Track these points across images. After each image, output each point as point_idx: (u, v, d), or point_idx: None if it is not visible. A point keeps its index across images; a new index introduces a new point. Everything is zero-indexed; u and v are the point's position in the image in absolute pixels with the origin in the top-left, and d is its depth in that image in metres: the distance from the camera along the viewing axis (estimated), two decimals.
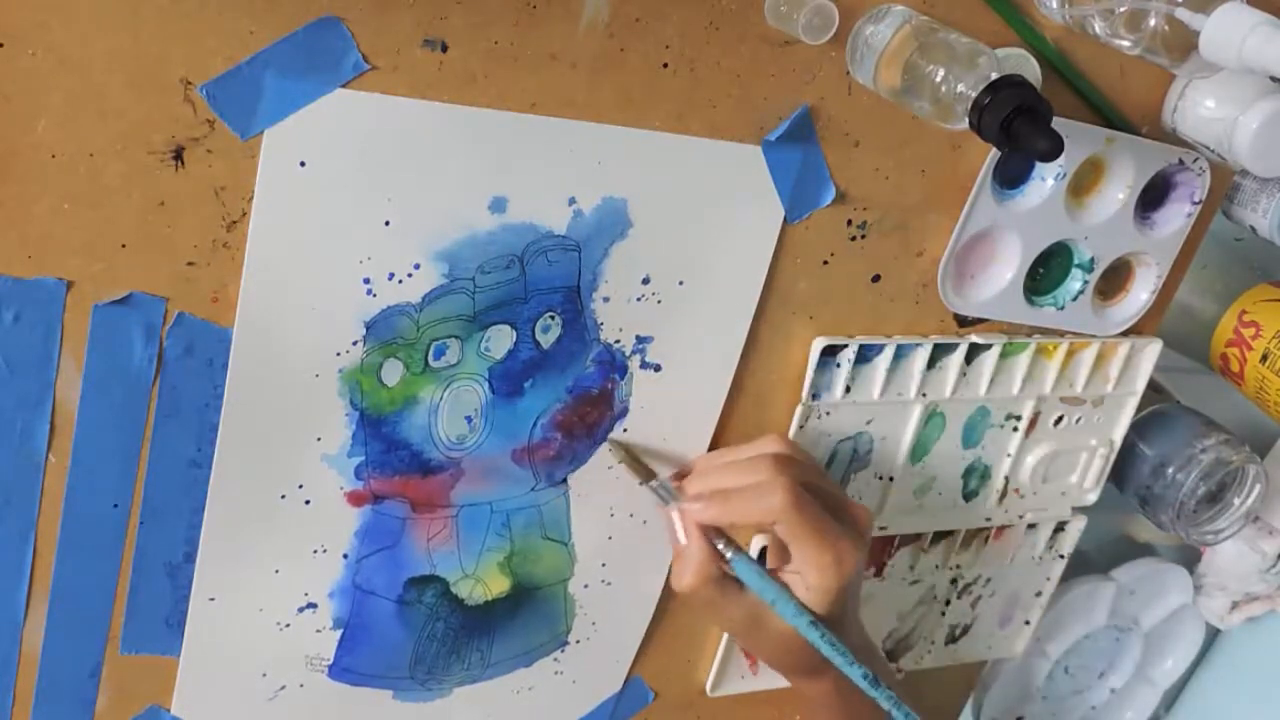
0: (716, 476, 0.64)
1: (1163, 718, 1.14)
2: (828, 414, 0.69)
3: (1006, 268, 0.69)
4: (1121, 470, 0.85)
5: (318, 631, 0.64)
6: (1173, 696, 1.13)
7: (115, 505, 0.57)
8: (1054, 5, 0.62)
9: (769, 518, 0.61)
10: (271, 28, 0.50)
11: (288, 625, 0.63)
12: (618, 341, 0.63)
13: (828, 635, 0.62)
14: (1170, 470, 0.83)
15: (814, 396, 0.68)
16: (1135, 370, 0.78)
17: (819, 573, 0.61)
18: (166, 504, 0.57)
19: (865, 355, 0.69)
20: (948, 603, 0.81)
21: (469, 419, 0.61)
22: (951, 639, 0.84)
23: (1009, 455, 0.76)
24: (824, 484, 0.64)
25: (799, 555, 0.62)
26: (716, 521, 0.62)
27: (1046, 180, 0.67)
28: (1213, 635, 1.10)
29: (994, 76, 0.52)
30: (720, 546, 0.62)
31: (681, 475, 0.66)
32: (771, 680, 0.76)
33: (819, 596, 0.62)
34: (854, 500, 0.67)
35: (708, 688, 0.76)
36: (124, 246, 0.52)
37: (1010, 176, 0.67)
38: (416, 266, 0.56)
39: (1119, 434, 0.80)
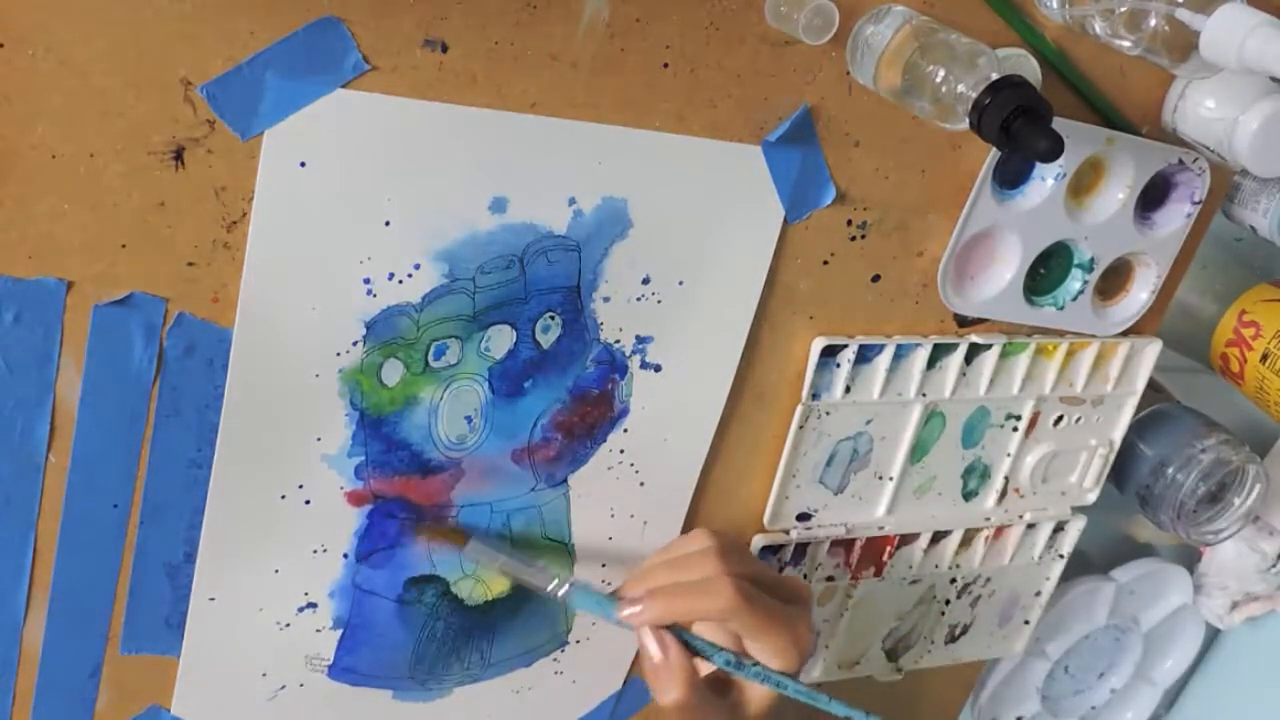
0: (658, 574, 0.63)
1: (1163, 718, 1.14)
2: (828, 414, 0.69)
3: (1006, 268, 0.69)
4: (1121, 470, 0.85)
5: (318, 631, 0.64)
6: (1173, 696, 1.13)
7: (115, 505, 0.57)
8: (1054, 5, 0.62)
9: (722, 617, 0.60)
10: (271, 28, 0.50)
11: (288, 625, 0.63)
12: (618, 341, 0.63)
13: (805, 689, 0.62)
14: (1170, 470, 0.83)
15: (814, 396, 0.68)
16: (1135, 370, 0.78)
17: (779, 657, 0.61)
18: (166, 504, 0.57)
19: (865, 355, 0.69)
20: (947, 602, 0.81)
21: (469, 419, 0.61)
22: (951, 639, 0.84)
23: (1009, 455, 0.76)
24: (758, 567, 0.64)
25: (757, 646, 0.61)
26: (666, 619, 0.61)
27: (1046, 180, 0.67)
28: (1213, 635, 1.10)
29: (994, 76, 0.52)
30: (694, 645, 0.61)
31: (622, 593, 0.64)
32: None
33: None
34: (788, 575, 0.66)
35: None
36: (124, 247, 0.52)
37: (1010, 176, 0.67)
38: (416, 266, 0.56)
39: (1119, 434, 0.80)
